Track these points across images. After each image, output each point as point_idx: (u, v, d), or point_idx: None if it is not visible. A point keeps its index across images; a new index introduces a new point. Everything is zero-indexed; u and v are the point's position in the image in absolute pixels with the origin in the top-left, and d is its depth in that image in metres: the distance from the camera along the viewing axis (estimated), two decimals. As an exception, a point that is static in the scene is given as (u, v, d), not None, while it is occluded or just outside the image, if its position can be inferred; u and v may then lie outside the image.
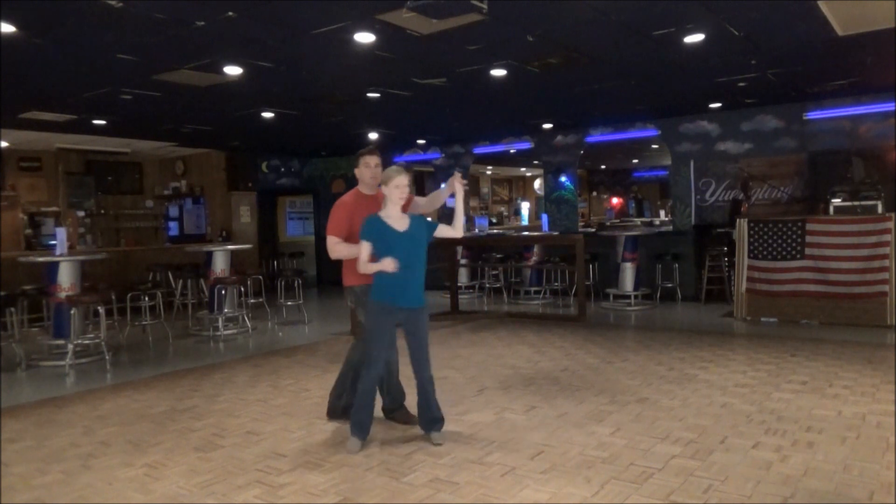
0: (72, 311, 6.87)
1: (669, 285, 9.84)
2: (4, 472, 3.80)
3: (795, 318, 7.92)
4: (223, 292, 8.52)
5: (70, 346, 6.73)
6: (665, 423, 4.29)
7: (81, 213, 11.94)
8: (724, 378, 5.38)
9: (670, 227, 11.59)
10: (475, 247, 11.57)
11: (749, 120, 10.13)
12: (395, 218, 3.98)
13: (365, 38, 5.64)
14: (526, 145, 12.71)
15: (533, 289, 10.92)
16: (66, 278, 7.18)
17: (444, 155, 13.51)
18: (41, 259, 7.42)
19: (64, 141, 10.74)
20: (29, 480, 3.67)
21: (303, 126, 10.40)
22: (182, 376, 6.15)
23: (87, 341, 7.15)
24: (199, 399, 5.29)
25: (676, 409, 4.57)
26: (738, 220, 8.50)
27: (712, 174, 10.55)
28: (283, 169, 14.18)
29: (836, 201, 8.44)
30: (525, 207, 21.35)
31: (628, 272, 9.75)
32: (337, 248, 4.18)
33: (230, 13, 4.92)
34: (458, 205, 4.16)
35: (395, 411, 4.46)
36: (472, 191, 18.76)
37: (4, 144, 10.75)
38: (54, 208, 11.83)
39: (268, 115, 9.25)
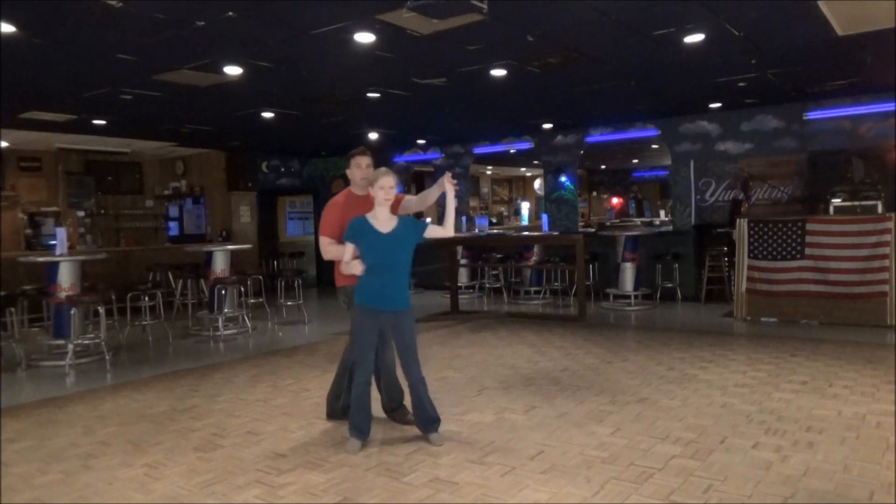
0: (72, 311, 6.87)
1: (669, 285, 9.84)
2: (4, 472, 3.80)
3: (795, 318, 7.92)
4: (223, 292, 8.52)
5: (70, 346, 6.73)
6: (665, 423, 4.29)
7: (81, 213, 11.95)
8: (724, 378, 5.38)
9: (670, 227, 11.60)
10: (475, 247, 11.57)
11: (749, 120, 10.13)
12: (382, 219, 3.97)
13: (365, 38, 5.64)
14: (526, 145, 12.72)
15: (533, 289, 10.92)
16: (66, 278, 7.18)
17: (444, 155, 13.51)
18: (41, 259, 7.42)
19: (64, 141, 10.74)
20: (29, 480, 3.67)
21: (303, 126, 10.40)
22: (182, 376, 6.15)
23: (87, 341, 7.14)
24: (199, 399, 5.29)
25: (676, 409, 4.57)
26: (738, 220, 8.50)
27: (712, 174, 10.55)
28: (283, 169, 14.18)
29: (836, 201, 8.44)
30: (525, 207, 21.36)
31: (628, 272, 9.75)
32: (328, 248, 4.20)
33: (230, 13, 4.92)
34: (450, 204, 4.17)
35: (394, 410, 4.46)
36: (472, 191, 18.76)
37: (4, 144, 10.75)
38: (54, 208, 11.83)
39: (268, 115, 9.25)
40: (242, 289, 8.97)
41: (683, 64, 7.03)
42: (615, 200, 20.12)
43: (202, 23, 5.12)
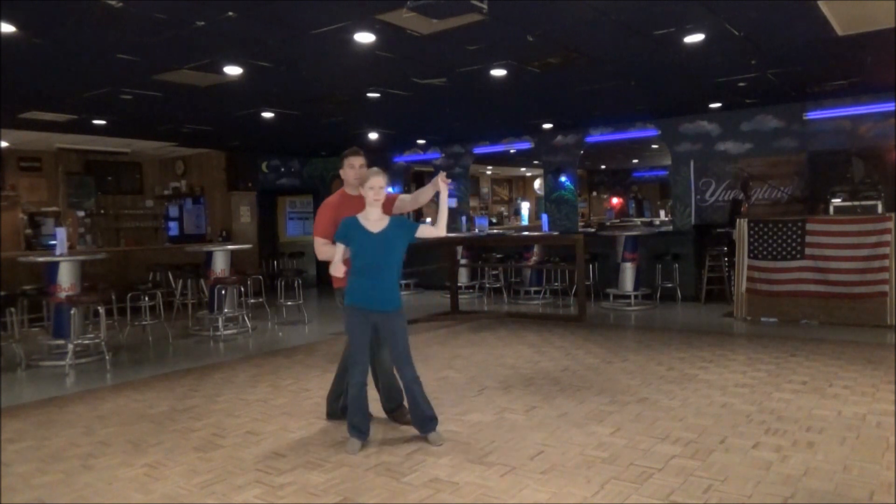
0: (72, 311, 6.87)
1: (669, 285, 9.84)
2: (4, 472, 3.80)
3: (795, 318, 7.92)
4: (223, 292, 8.52)
5: (70, 346, 6.72)
6: (665, 423, 4.29)
7: (81, 213, 11.95)
8: (724, 378, 5.38)
9: (670, 227, 11.60)
10: (475, 247, 11.57)
11: (749, 120, 10.13)
12: (373, 219, 3.97)
13: (365, 38, 5.64)
14: (526, 145, 12.72)
15: (533, 289, 10.91)
16: (66, 278, 7.18)
17: (444, 155, 13.52)
18: (41, 259, 7.42)
19: (64, 141, 10.74)
20: (29, 480, 3.67)
21: (303, 126, 10.40)
22: (182, 376, 6.15)
23: (87, 341, 7.14)
24: (199, 399, 5.29)
25: (676, 409, 4.57)
26: (738, 220, 8.50)
27: (712, 174, 10.56)
28: (283, 169, 14.18)
29: (836, 201, 8.44)
30: (525, 207, 21.37)
31: (628, 272, 9.75)
32: (322, 249, 4.21)
33: (230, 13, 4.92)
34: (442, 204, 4.17)
35: (394, 411, 4.46)
36: (473, 191, 18.77)
37: (4, 144, 10.75)
38: (54, 208, 11.83)
39: (268, 115, 9.25)
40: (242, 289, 8.97)
41: (683, 64, 7.03)
42: (615, 200, 20.13)
43: (202, 23, 5.12)
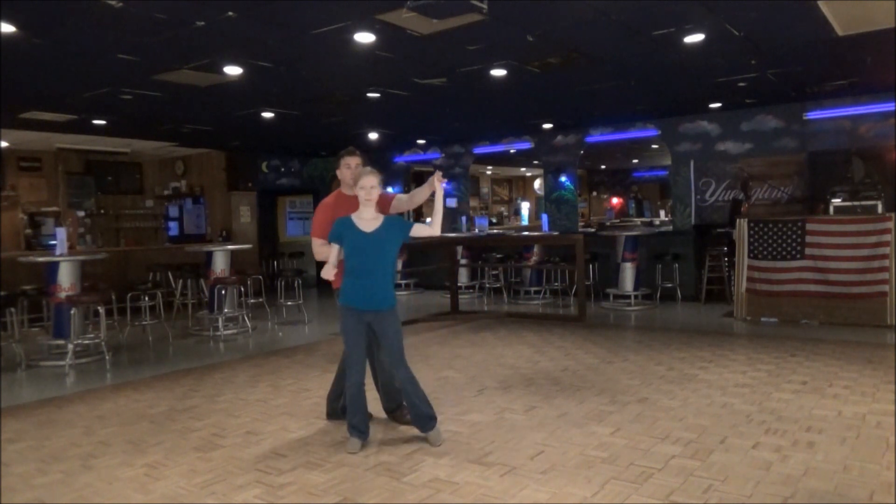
0: (72, 311, 6.87)
1: (669, 285, 9.84)
2: (4, 472, 3.80)
3: (795, 318, 7.92)
4: (223, 292, 8.53)
5: (70, 346, 6.73)
6: (665, 423, 4.29)
7: (81, 213, 11.95)
8: (724, 378, 5.38)
9: (670, 227, 11.61)
10: (475, 247, 11.57)
11: (749, 120, 10.14)
12: (367, 219, 3.97)
13: (365, 38, 5.64)
14: (526, 145, 12.72)
15: (533, 289, 10.91)
16: (66, 278, 7.18)
17: (443, 155, 13.52)
18: (41, 259, 7.41)
19: (64, 141, 10.75)
20: (29, 480, 3.67)
21: (303, 126, 10.41)
22: (182, 376, 6.15)
23: (87, 341, 7.14)
24: (199, 399, 5.29)
25: (676, 409, 4.57)
26: (738, 220, 8.50)
27: (712, 174, 10.56)
28: (283, 169, 14.18)
29: (836, 201, 8.44)
30: (525, 207, 21.37)
31: (628, 272, 9.75)
32: (319, 249, 4.22)
33: (230, 13, 4.92)
34: (438, 203, 4.17)
35: (394, 410, 4.46)
36: (472, 191, 18.77)
37: (4, 144, 10.75)
38: (54, 208, 11.84)
39: (268, 115, 9.25)
40: (242, 289, 8.97)
41: (683, 64, 7.03)
42: (615, 200, 20.14)
43: (202, 23, 5.12)
